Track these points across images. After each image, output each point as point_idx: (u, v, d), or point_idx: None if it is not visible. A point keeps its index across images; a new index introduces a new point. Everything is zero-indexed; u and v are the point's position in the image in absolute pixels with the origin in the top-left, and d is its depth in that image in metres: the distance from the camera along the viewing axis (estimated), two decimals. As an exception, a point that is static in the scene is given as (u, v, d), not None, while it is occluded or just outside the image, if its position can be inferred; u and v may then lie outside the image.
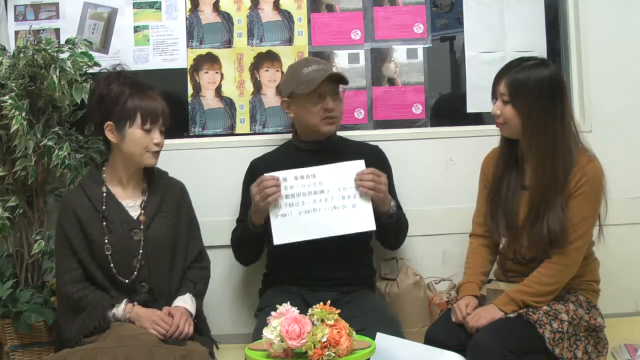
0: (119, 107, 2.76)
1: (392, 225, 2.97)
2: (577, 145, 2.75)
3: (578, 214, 2.68)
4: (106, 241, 2.76)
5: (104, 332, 2.66)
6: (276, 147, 3.24)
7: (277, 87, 3.38)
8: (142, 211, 2.84)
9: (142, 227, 2.81)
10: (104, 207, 2.80)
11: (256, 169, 3.09)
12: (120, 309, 2.71)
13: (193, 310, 2.81)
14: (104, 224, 2.78)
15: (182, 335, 2.68)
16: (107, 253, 2.75)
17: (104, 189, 2.84)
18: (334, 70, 3.10)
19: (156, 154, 2.83)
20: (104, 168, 2.89)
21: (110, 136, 2.81)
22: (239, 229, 3.08)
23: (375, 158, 3.11)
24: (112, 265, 2.76)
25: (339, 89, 3.08)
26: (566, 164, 2.69)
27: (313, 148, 3.09)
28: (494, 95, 2.79)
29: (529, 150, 2.75)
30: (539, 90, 2.69)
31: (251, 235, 2.95)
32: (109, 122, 2.79)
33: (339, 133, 3.17)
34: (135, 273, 2.77)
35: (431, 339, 2.73)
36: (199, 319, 2.86)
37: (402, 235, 3.13)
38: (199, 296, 2.90)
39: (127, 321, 2.69)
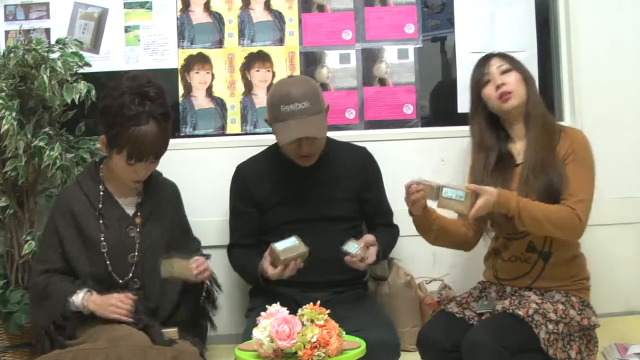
0: (114, 131, 2.70)
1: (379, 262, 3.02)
2: (552, 117, 2.95)
3: (574, 181, 2.70)
4: (102, 237, 2.76)
5: (69, 320, 2.66)
6: (265, 147, 3.21)
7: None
8: (139, 212, 2.84)
9: (137, 226, 2.81)
10: (100, 205, 2.80)
11: (242, 177, 3.11)
12: (79, 297, 2.68)
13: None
14: (101, 221, 2.78)
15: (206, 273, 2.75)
16: (103, 250, 2.75)
17: (101, 187, 2.83)
18: (305, 110, 2.88)
19: (137, 182, 2.81)
20: (101, 166, 2.88)
21: (102, 148, 2.81)
22: (243, 266, 3.07)
23: (363, 163, 3.14)
24: (108, 262, 2.75)
25: (324, 131, 2.97)
26: (551, 128, 2.81)
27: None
28: (483, 79, 2.85)
29: (527, 116, 2.80)
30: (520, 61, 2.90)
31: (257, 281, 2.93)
32: (103, 137, 2.76)
33: (328, 134, 3.11)
34: (131, 270, 2.76)
35: (424, 340, 2.73)
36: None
37: (388, 255, 3.17)
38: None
39: (85, 309, 2.67)
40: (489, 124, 2.88)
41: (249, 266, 2.96)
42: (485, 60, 2.89)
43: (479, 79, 2.87)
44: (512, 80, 2.81)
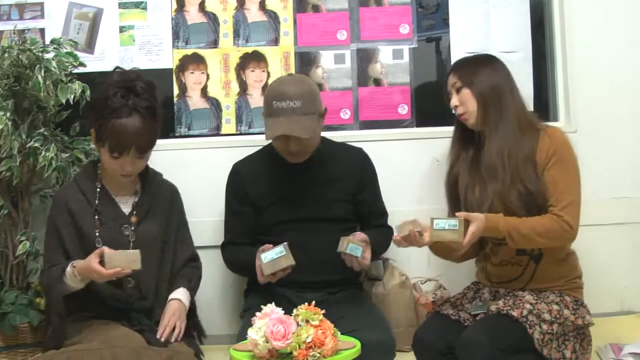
0: (98, 124, 2.73)
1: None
2: (535, 118, 2.86)
3: (561, 183, 2.69)
4: (97, 234, 2.76)
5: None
6: (260, 147, 3.22)
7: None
8: (135, 211, 2.84)
9: (132, 225, 2.81)
10: (97, 202, 2.81)
11: (239, 176, 3.12)
12: (68, 275, 2.68)
13: (187, 303, 2.83)
14: (97, 217, 2.79)
15: (175, 335, 2.71)
16: (98, 246, 2.72)
17: (97, 184, 2.85)
18: (296, 109, 2.90)
19: (127, 176, 2.80)
20: (99, 164, 2.89)
21: (93, 142, 2.83)
22: (239, 261, 3.07)
23: (359, 164, 3.14)
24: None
25: (311, 133, 2.93)
26: (528, 131, 2.76)
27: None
28: (447, 95, 2.88)
29: (485, 126, 2.79)
30: (480, 62, 2.88)
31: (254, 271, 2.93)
32: (92, 130, 2.79)
33: (323, 134, 3.15)
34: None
35: (419, 342, 2.74)
36: (193, 316, 2.89)
37: (379, 254, 3.14)
38: (193, 291, 2.91)
39: (80, 281, 2.66)
40: (465, 127, 2.89)
41: (245, 259, 2.94)
42: (446, 76, 2.91)
43: (448, 96, 2.89)
44: (464, 99, 2.81)
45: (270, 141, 3.07)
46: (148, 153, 2.81)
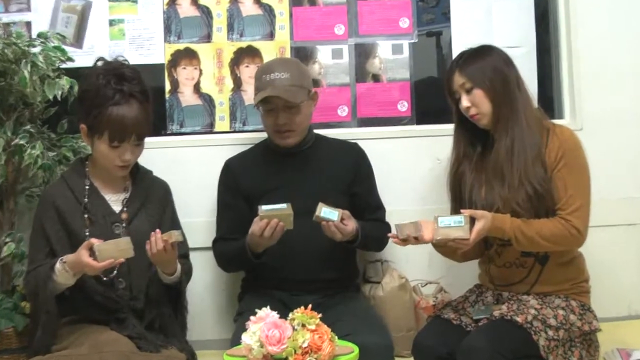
0: (93, 115, 2.70)
1: (359, 245, 2.98)
2: (542, 115, 2.82)
3: (570, 186, 2.65)
4: (87, 233, 2.72)
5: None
6: (252, 145, 3.23)
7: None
8: (125, 208, 2.81)
9: (123, 222, 2.79)
10: (86, 200, 2.78)
11: (231, 170, 3.14)
12: (58, 271, 2.63)
13: (178, 272, 2.80)
14: (86, 216, 2.76)
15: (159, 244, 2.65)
16: None
17: (86, 181, 2.82)
18: (283, 79, 2.97)
19: (124, 167, 2.79)
20: (87, 162, 2.87)
21: (84, 138, 2.81)
22: (229, 249, 3.04)
23: (354, 157, 3.15)
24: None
25: (298, 100, 2.97)
26: (535, 127, 2.72)
27: (287, 151, 3.06)
28: (452, 96, 2.81)
29: (497, 125, 2.73)
30: (490, 61, 2.77)
31: (249, 262, 2.92)
32: (83, 125, 2.76)
33: (318, 131, 3.17)
34: (116, 267, 2.71)
35: (419, 347, 2.71)
36: (181, 308, 2.87)
37: (374, 247, 3.16)
38: (185, 274, 2.86)
39: (69, 274, 2.61)
40: (470, 124, 2.83)
41: (235, 247, 2.94)
42: (450, 73, 2.81)
43: (451, 94, 2.82)
44: (474, 99, 2.73)
45: (264, 138, 3.10)
46: (144, 140, 2.80)
